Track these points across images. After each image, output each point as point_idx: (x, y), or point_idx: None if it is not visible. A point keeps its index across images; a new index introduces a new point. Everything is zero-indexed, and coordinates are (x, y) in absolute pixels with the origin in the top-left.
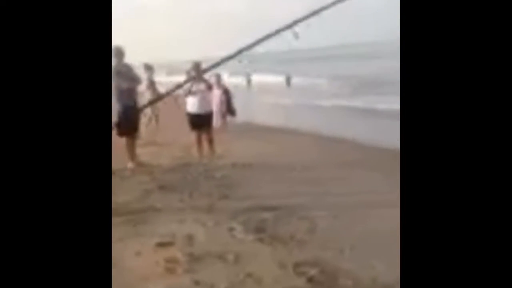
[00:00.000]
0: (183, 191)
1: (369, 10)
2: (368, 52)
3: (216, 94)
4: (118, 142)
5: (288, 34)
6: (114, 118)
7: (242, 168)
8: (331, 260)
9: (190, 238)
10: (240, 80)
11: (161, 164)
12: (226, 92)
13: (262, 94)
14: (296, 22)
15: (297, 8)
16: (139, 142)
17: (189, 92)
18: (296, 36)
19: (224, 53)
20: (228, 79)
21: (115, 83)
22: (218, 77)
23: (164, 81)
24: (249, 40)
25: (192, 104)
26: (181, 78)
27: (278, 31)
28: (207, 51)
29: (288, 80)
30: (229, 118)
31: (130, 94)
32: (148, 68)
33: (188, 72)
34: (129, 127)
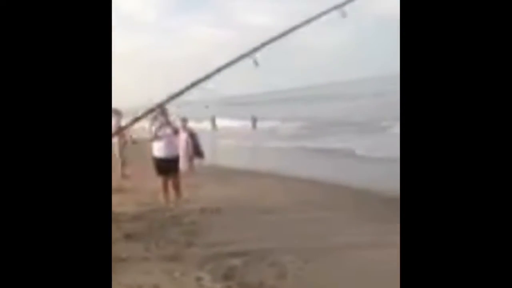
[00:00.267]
0: (149, 239)
1: (326, 51)
2: (325, 93)
3: (182, 138)
4: None
5: (248, 61)
6: None
7: (210, 213)
8: None
9: None
10: (204, 125)
11: (127, 212)
12: (192, 135)
13: (227, 137)
14: (255, 49)
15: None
16: None
17: (155, 137)
18: (256, 63)
19: (190, 97)
20: (194, 124)
21: None
22: (184, 121)
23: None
24: (212, 84)
25: (158, 149)
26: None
27: (238, 59)
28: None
29: (254, 123)
30: (196, 161)
31: None
32: (117, 113)
33: (154, 117)
34: None
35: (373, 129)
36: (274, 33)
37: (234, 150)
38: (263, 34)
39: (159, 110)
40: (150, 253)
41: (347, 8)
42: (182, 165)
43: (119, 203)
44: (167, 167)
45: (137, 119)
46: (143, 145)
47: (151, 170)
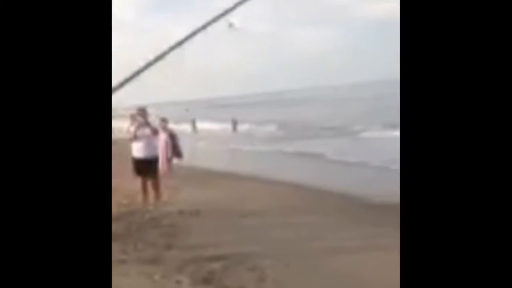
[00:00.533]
0: (127, 241)
1: (307, 55)
2: (302, 97)
3: (162, 139)
4: None
5: (223, 24)
6: None
7: (189, 216)
8: None
9: None
10: (184, 127)
11: None
12: (172, 136)
13: (207, 140)
14: (227, 11)
15: None
16: None
17: (135, 137)
18: (231, 25)
19: (169, 98)
20: (174, 126)
21: None
22: (164, 121)
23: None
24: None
25: (137, 149)
26: (126, 123)
27: (212, 20)
28: (151, 97)
29: (234, 125)
30: (175, 161)
31: None
32: None
33: (132, 117)
34: None
35: (346, 133)
36: (257, 35)
37: (214, 153)
38: (245, 34)
39: (138, 111)
40: (128, 256)
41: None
42: (161, 166)
43: None
44: (146, 168)
45: None
46: (121, 145)
47: (130, 171)
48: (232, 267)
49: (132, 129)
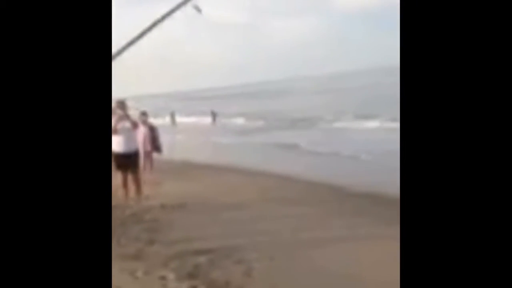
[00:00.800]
0: None
1: (288, 46)
2: (280, 88)
3: (141, 132)
4: None
5: (190, 8)
6: None
7: (172, 210)
8: None
9: None
10: (161, 121)
11: None
12: (152, 129)
13: (186, 133)
14: None
15: None
16: None
17: (115, 131)
18: (198, 9)
19: (150, 91)
20: (152, 120)
21: None
22: (144, 115)
23: None
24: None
25: (117, 143)
26: None
27: (179, 6)
28: (131, 89)
29: (213, 117)
30: (154, 155)
31: None
32: None
33: (112, 110)
34: None
35: (318, 124)
36: (236, 26)
37: (192, 146)
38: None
39: (118, 104)
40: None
41: None
42: (141, 160)
43: None
44: (126, 162)
45: None
46: None
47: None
48: (218, 261)
49: (112, 122)
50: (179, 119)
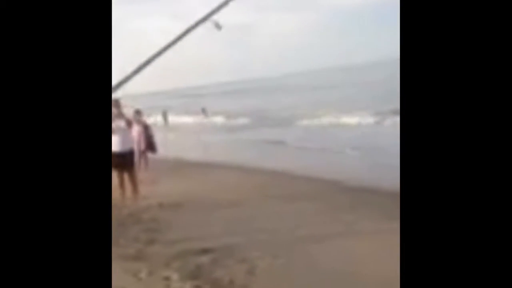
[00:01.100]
0: None
1: (285, 42)
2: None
3: (136, 131)
4: None
5: (209, 24)
6: None
7: (169, 209)
8: None
9: None
10: (153, 119)
11: None
12: (146, 128)
13: (178, 131)
14: (213, 12)
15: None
16: None
17: None
18: (218, 26)
19: (147, 89)
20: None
21: None
22: (138, 114)
23: None
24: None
25: (112, 143)
26: None
27: (198, 23)
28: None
29: (204, 112)
30: (149, 155)
31: None
32: None
33: None
34: None
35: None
36: (232, 22)
37: (186, 144)
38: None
39: (112, 102)
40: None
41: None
42: (136, 159)
43: None
44: (122, 161)
45: None
46: None
47: None
48: (220, 260)
49: None
50: (173, 118)
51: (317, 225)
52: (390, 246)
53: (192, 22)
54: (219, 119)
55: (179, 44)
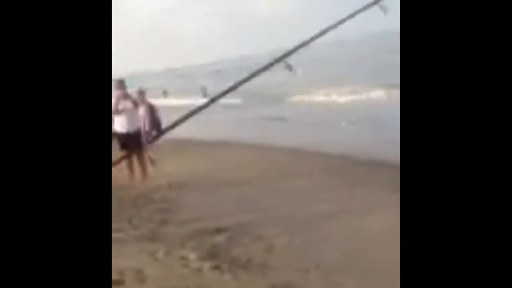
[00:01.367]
0: (121, 218)
1: (273, 17)
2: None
3: (141, 111)
4: None
5: (281, 66)
6: None
7: (180, 188)
8: (300, 284)
9: (140, 273)
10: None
11: None
12: (151, 108)
13: (180, 110)
14: (287, 55)
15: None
16: None
17: (116, 111)
18: (289, 68)
19: (152, 67)
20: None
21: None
22: (142, 94)
23: None
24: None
25: (119, 124)
26: None
27: (271, 64)
28: (132, 66)
29: (204, 92)
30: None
31: None
32: None
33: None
34: None
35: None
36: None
37: (189, 123)
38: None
39: (116, 83)
40: (126, 234)
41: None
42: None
43: None
44: (130, 142)
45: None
46: None
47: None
48: (236, 238)
49: (112, 102)
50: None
51: (333, 201)
52: None
53: None
54: (182, 102)
55: (170, 22)
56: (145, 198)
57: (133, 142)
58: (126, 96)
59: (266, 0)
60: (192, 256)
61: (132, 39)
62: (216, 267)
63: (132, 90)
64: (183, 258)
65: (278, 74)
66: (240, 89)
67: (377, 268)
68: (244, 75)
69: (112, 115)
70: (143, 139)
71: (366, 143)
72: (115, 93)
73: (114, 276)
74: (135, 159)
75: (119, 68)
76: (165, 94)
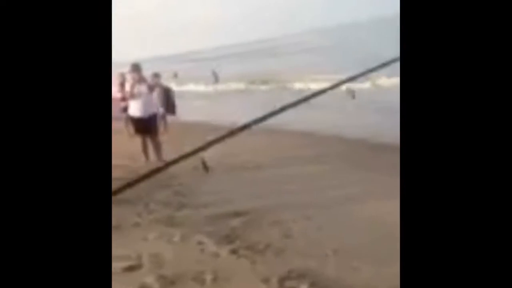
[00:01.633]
0: (137, 203)
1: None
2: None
3: (155, 95)
4: None
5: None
6: None
7: (195, 172)
8: (317, 269)
9: (157, 258)
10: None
11: None
12: (167, 91)
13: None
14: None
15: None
16: None
17: (132, 95)
18: (352, 94)
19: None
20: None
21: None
22: (156, 77)
23: None
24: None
25: (135, 108)
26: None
27: (332, 86)
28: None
29: (215, 76)
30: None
31: None
32: None
33: (121, 75)
34: None
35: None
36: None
37: (200, 107)
38: None
39: (131, 67)
40: (142, 219)
41: None
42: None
43: None
44: (145, 126)
45: None
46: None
47: (125, 131)
48: (253, 223)
49: (127, 86)
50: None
51: (350, 186)
52: None
53: None
54: (195, 87)
55: (174, 6)
56: (162, 182)
57: (148, 126)
58: (141, 79)
59: None
60: (208, 241)
61: (145, 24)
62: (233, 252)
63: (146, 74)
64: (200, 243)
65: (301, 59)
66: (240, 74)
67: (397, 254)
68: (260, 58)
69: (128, 99)
70: (158, 122)
71: (384, 127)
72: (130, 77)
73: (133, 261)
74: (149, 143)
75: (133, 52)
76: (175, 76)
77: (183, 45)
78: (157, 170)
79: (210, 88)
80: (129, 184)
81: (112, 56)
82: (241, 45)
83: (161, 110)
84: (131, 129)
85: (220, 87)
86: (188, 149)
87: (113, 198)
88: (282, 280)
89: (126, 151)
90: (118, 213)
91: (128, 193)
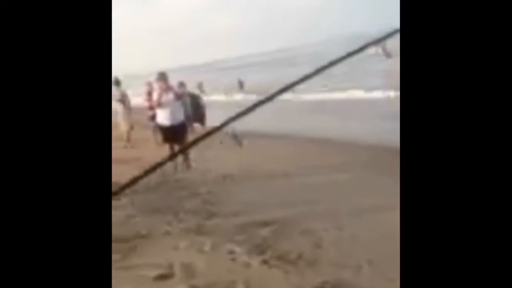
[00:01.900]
0: (167, 212)
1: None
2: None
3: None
4: None
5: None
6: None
7: (223, 181)
8: (352, 280)
9: (189, 267)
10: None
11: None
12: (196, 98)
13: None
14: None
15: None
16: None
17: (159, 104)
18: (386, 53)
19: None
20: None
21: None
22: (182, 85)
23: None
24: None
25: (162, 117)
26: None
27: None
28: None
29: (241, 84)
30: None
31: None
32: (117, 82)
33: (149, 84)
34: None
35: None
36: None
37: (224, 115)
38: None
39: (158, 76)
40: (172, 227)
41: None
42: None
43: (123, 175)
44: (173, 135)
45: None
46: (139, 113)
47: (152, 139)
48: (283, 232)
49: (155, 95)
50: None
51: (378, 194)
52: None
53: None
54: (220, 97)
55: (194, 16)
56: (190, 190)
57: (176, 135)
58: (168, 88)
59: None
60: (239, 250)
61: (170, 35)
62: (265, 262)
63: (173, 83)
64: (231, 252)
65: (293, 69)
66: (253, 85)
67: None
68: (280, 68)
69: (151, 109)
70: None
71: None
72: (157, 86)
73: (165, 270)
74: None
75: (158, 62)
76: (200, 86)
77: (208, 55)
78: (154, 168)
79: (233, 97)
80: (127, 185)
81: (121, 62)
82: (262, 54)
83: (189, 118)
84: (159, 137)
85: (243, 96)
86: (211, 155)
87: (139, 208)
88: None
89: (154, 158)
90: (148, 222)
91: (157, 202)
